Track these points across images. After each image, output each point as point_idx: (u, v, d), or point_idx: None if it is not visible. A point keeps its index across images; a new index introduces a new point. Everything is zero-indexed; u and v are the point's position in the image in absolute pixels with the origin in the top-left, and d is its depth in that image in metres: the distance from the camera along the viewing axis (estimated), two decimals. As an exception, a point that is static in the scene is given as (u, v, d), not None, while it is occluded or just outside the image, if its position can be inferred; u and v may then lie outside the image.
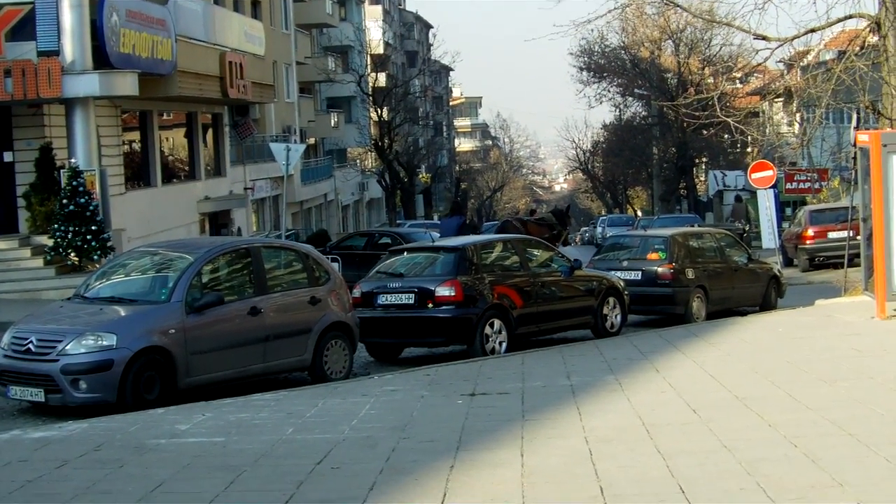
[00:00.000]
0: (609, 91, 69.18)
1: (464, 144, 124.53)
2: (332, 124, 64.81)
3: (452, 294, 15.75)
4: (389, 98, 60.47)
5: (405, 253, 17.84)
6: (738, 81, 59.36)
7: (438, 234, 26.67)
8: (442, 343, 16.42)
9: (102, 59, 25.45)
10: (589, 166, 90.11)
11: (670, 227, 28.57)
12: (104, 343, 12.01)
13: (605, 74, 68.18)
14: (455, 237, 21.99)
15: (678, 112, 38.77)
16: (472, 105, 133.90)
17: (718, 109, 22.10)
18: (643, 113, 70.43)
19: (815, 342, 14.85)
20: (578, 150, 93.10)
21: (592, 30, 78.55)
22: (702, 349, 14.81)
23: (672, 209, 64.45)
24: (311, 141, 60.45)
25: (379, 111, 58.63)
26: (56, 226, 23.53)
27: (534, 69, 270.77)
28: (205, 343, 12.73)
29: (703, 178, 70.24)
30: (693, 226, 36.28)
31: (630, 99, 70.22)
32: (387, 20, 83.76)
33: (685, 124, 52.04)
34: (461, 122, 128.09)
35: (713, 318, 19.85)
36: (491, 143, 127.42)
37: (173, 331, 12.46)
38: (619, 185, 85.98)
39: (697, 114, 24.46)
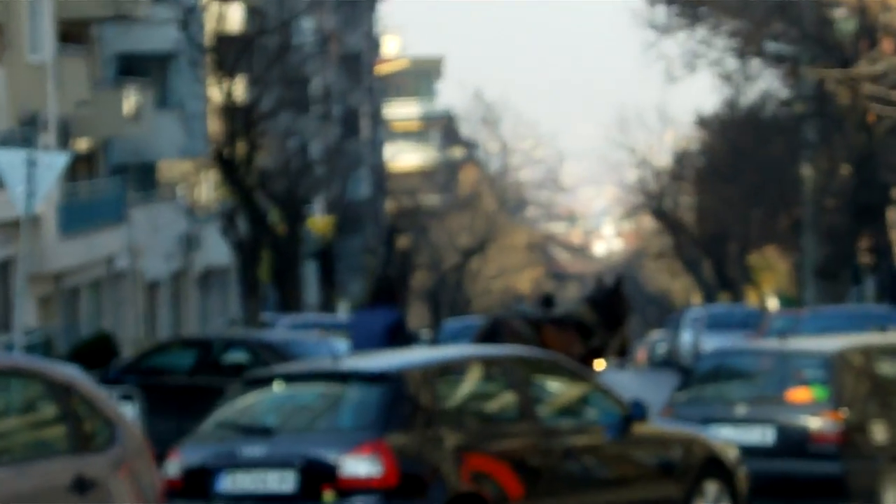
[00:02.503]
0: (712, 46, 69.81)
1: (405, 155, 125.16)
2: (128, 111, 64.90)
3: (376, 472, 15.82)
4: (249, 57, 60.65)
5: (277, 384, 17.91)
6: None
7: (349, 345, 26.72)
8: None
9: None
10: (665, 204, 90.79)
11: (837, 335, 28.68)
12: None
13: (701, 9, 68.77)
14: (383, 351, 22.01)
15: (857, 90, 39.11)
16: (424, 75, 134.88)
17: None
18: (784, 93, 71.06)
19: None
20: (645, 169, 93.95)
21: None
22: None
23: (842, 294, 64.82)
24: (83, 146, 60.48)
25: (227, 85, 58.80)
26: None
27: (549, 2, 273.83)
28: None
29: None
30: (885, 330, 36.46)
31: (756, 62, 70.78)
32: None
33: (871, 116, 52.61)
34: (400, 110, 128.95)
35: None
36: (463, 152, 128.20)
37: None
38: (731, 244, 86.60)
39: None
